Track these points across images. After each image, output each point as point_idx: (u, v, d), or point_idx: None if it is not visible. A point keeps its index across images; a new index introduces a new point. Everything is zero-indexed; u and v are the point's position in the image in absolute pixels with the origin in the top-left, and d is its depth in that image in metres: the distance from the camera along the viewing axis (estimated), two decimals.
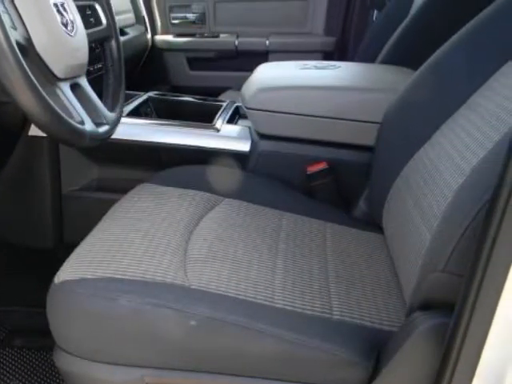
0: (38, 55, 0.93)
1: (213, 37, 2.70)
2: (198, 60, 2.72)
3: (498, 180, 0.62)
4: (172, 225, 1.07)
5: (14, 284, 1.49)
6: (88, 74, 1.12)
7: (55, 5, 0.98)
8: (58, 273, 0.92)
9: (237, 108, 1.70)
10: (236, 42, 2.65)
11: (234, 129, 1.53)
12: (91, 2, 1.23)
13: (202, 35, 2.71)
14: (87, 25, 1.15)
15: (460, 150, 0.93)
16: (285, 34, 2.67)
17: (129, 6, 2.44)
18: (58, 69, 0.97)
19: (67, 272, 0.91)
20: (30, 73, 0.82)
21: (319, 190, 1.39)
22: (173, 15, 2.71)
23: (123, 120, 1.28)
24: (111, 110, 1.16)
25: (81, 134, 0.95)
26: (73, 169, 1.50)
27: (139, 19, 2.54)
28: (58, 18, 0.98)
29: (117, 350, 0.86)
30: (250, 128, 1.51)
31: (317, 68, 1.60)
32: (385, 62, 1.78)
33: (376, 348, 0.86)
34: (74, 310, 0.87)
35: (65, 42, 0.99)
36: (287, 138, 1.43)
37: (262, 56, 2.61)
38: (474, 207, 0.73)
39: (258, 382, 0.85)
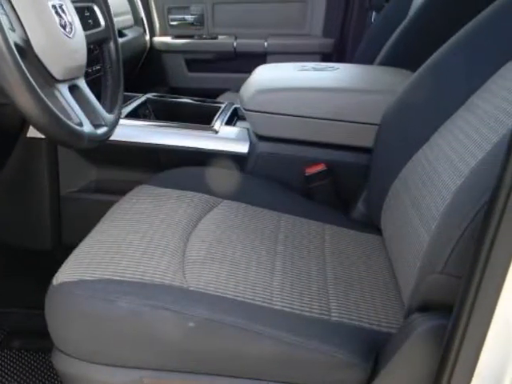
0: (36, 57, 0.93)
1: (211, 38, 2.69)
2: (197, 62, 2.71)
3: (496, 182, 0.62)
4: (170, 226, 1.07)
5: (12, 285, 1.49)
6: (86, 75, 1.12)
7: (53, 6, 0.98)
8: (57, 274, 0.92)
9: (235, 109, 1.70)
10: (234, 44, 2.65)
11: (232, 130, 1.53)
12: (89, 4, 1.23)
13: (200, 37, 2.71)
14: (85, 26, 1.15)
15: (458, 151, 0.93)
16: (283, 36, 2.67)
17: (127, 7, 2.44)
18: (56, 70, 0.97)
19: (65, 274, 0.91)
20: (28, 74, 0.82)
21: (317, 191, 1.39)
22: (171, 17, 2.71)
23: (121, 122, 1.27)
24: (109, 111, 1.16)
25: (79, 135, 0.95)
26: (71, 170, 1.50)
27: (137, 21, 2.54)
28: (57, 19, 0.98)
29: (115, 351, 0.86)
30: (248, 130, 1.51)
31: (315, 70, 1.60)
32: (383, 63, 1.78)
33: (374, 349, 0.86)
34: (73, 312, 0.87)
35: (63, 44, 0.99)
36: (285, 139, 1.43)
37: (261, 58, 2.61)
38: (473, 209, 0.73)
39: (256, 383, 0.85)
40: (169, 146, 1.45)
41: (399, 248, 1.01)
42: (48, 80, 0.96)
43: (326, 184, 1.39)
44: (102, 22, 1.23)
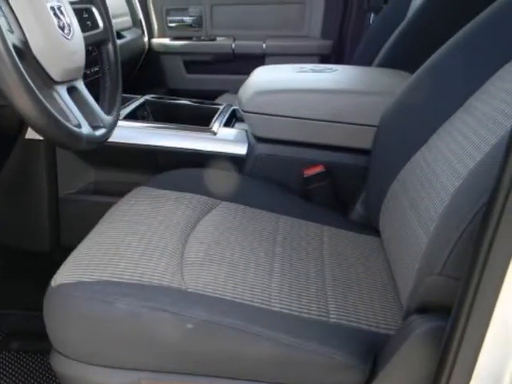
0: (34, 58, 0.93)
1: (210, 40, 2.69)
2: (195, 63, 2.71)
3: (494, 183, 0.62)
4: (169, 228, 1.07)
5: (10, 287, 1.49)
6: (85, 77, 1.12)
7: (52, 8, 0.98)
8: (55, 276, 0.92)
9: (234, 111, 1.70)
10: (233, 45, 2.65)
11: (230, 132, 1.53)
12: (88, 5, 1.23)
13: (198, 38, 2.71)
14: (84, 28, 1.15)
15: (457, 153, 0.93)
16: (282, 38, 2.67)
17: (126, 9, 2.43)
18: (54, 72, 0.97)
19: (64, 275, 0.91)
20: (26, 76, 0.82)
21: (316, 193, 1.39)
22: (170, 18, 2.71)
23: (120, 123, 1.27)
24: (108, 113, 1.16)
25: (78, 137, 0.95)
26: (70, 172, 1.50)
27: (136, 22, 2.54)
28: (55, 21, 0.98)
29: (114, 353, 0.86)
30: (246, 131, 1.51)
31: (313, 71, 1.60)
32: (381, 65, 1.79)
33: (373, 351, 0.86)
34: (71, 314, 0.87)
35: (62, 46, 0.99)
36: (284, 141, 1.43)
37: (259, 59, 2.61)
38: (471, 210, 0.73)
39: None
40: (167, 147, 1.45)
41: (397, 250, 1.01)
42: (46, 82, 0.96)
43: (324, 185, 1.39)
44: (101, 24, 1.23)
